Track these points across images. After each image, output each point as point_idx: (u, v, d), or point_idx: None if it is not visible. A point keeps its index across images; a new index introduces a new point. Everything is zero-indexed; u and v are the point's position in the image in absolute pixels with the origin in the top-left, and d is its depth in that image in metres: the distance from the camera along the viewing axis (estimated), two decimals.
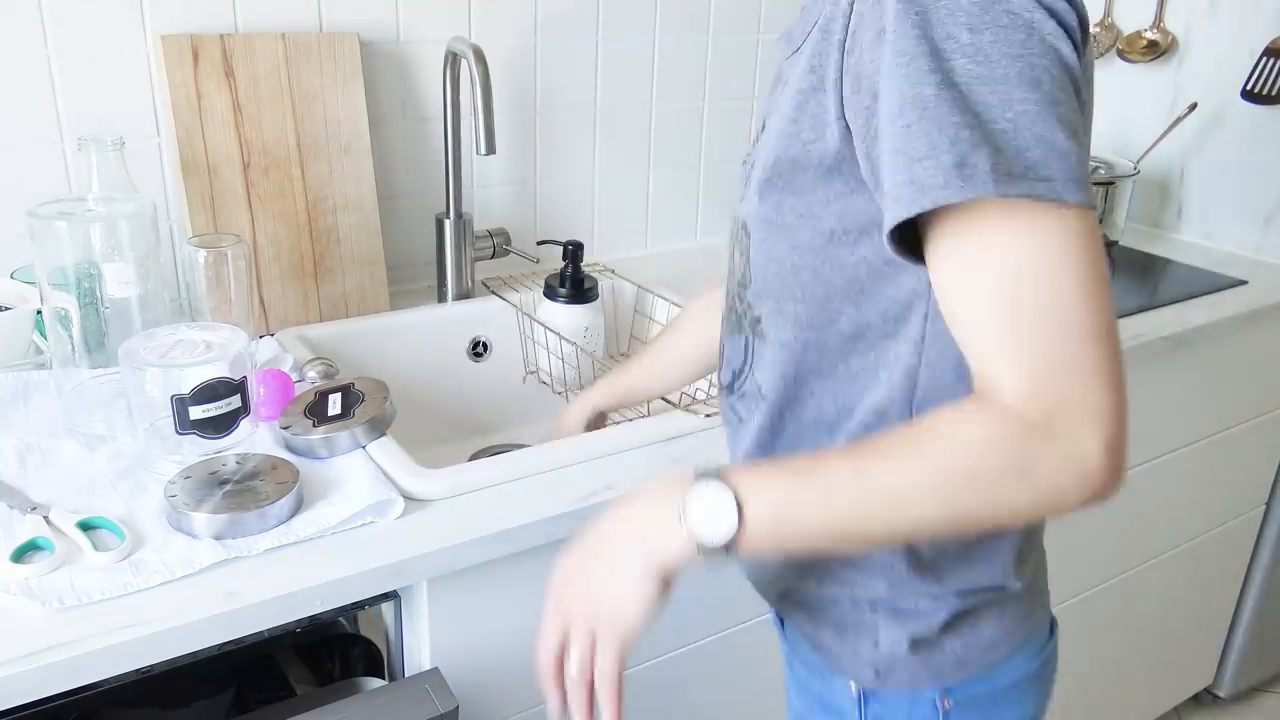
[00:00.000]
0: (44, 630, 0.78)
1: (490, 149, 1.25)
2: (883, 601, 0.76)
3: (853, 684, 0.80)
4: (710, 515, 0.61)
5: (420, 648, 0.98)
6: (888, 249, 0.62)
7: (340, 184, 1.35)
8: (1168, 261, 1.80)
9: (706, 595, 1.14)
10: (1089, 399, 0.57)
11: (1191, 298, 1.62)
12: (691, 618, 1.14)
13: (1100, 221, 1.77)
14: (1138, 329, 1.49)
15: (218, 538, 0.88)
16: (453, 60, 1.35)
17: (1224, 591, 1.95)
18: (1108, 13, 1.96)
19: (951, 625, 0.76)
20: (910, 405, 0.71)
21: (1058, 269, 0.57)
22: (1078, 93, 0.61)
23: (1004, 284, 0.58)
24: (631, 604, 0.64)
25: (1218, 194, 1.87)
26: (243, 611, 0.83)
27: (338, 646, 1.10)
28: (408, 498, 0.97)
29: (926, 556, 0.75)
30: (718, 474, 0.62)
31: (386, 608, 1.00)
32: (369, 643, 1.08)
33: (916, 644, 0.76)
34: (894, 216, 0.60)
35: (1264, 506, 1.90)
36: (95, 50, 1.21)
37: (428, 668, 0.97)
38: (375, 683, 1.03)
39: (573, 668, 0.67)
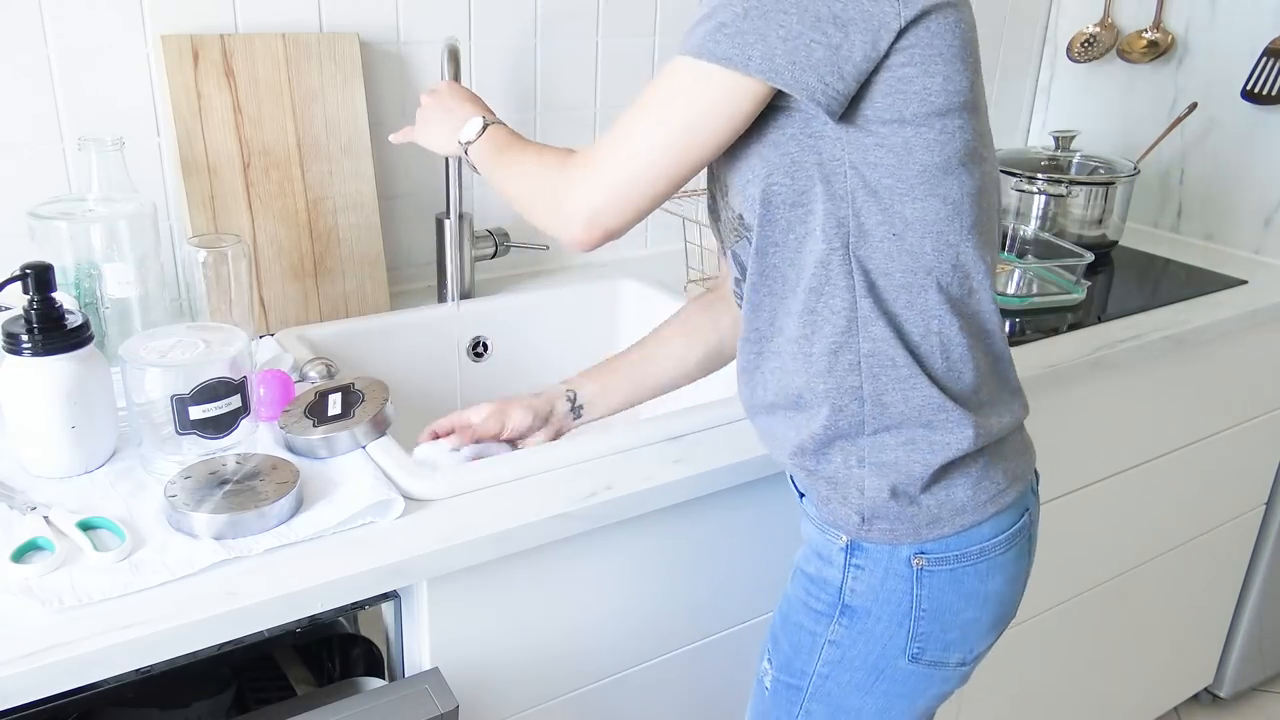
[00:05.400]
0: (44, 630, 0.78)
1: None
2: (868, 457, 0.89)
3: (843, 536, 0.92)
4: (473, 128, 1.03)
5: (420, 648, 0.98)
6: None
7: (340, 184, 1.35)
8: (1168, 261, 1.80)
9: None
10: (593, 187, 0.85)
11: (1191, 298, 1.62)
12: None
13: (1100, 221, 1.77)
14: (1138, 329, 1.49)
15: (218, 538, 0.88)
16: (453, 60, 1.35)
17: (1224, 591, 1.95)
18: (1108, 13, 1.96)
19: (925, 481, 0.88)
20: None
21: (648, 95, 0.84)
22: None
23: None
24: (435, 143, 1.10)
25: (1218, 194, 1.87)
26: (243, 611, 0.83)
27: (338, 646, 1.10)
28: (408, 498, 0.97)
29: (895, 419, 0.87)
30: (485, 121, 1.03)
31: (386, 608, 1.00)
32: (369, 643, 1.08)
33: (895, 492, 0.88)
34: None
35: (1264, 506, 1.90)
36: (95, 50, 1.21)
37: (428, 668, 0.97)
38: (375, 683, 1.03)
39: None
